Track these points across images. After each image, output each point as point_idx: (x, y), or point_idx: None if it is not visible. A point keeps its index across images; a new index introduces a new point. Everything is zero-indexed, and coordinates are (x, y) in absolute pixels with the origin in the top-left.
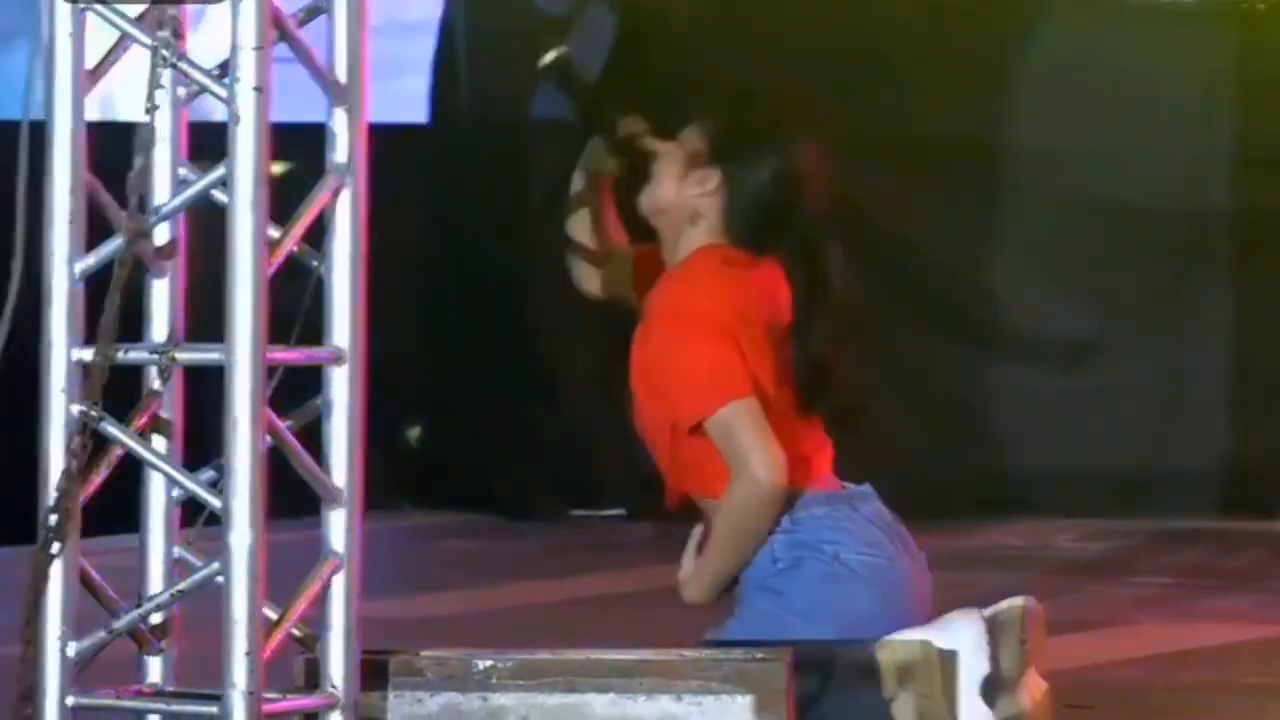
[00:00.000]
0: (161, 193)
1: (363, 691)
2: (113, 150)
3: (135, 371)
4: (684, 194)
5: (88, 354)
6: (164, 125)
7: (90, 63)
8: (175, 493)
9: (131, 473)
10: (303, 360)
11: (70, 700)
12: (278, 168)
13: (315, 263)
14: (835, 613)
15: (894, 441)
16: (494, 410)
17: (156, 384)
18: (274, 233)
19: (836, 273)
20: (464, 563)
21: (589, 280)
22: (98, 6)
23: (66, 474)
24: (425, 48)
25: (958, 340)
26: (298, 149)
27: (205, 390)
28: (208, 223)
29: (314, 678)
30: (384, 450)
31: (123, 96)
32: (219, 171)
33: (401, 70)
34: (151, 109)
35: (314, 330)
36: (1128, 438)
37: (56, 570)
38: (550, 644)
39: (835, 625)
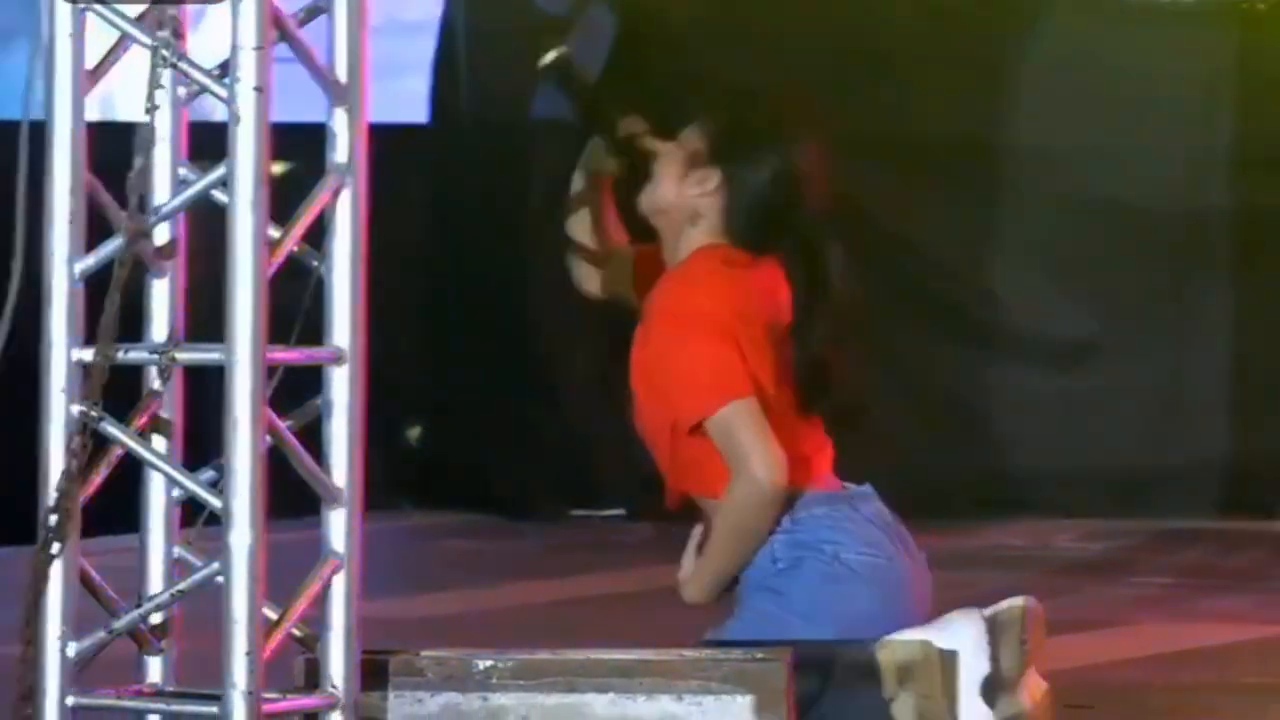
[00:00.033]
0: (161, 193)
1: (363, 691)
2: (113, 150)
3: (135, 371)
4: (684, 194)
5: (88, 354)
6: (164, 125)
7: (90, 63)
8: (175, 493)
9: (131, 473)
10: (303, 360)
11: (70, 700)
12: (278, 168)
13: (315, 263)
14: (835, 613)
15: (894, 441)
16: (494, 410)
17: (156, 384)
18: (274, 233)
19: (837, 272)
20: (464, 563)
21: (589, 280)
22: (97, 6)
23: (66, 474)
24: (425, 48)
25: (958, 340)
26: (298, 149)
27: (205, 390)
28: (208, 223)
29: (314, 678)
30: (384, 450)
31: (123, 96)
32: (219, 171)
33: (401, 70)
34: (151, 109)
35: (314, 330)
36: (1128, 438)
37: (56, 570)
38: (550, 644)
39: (835, 625)
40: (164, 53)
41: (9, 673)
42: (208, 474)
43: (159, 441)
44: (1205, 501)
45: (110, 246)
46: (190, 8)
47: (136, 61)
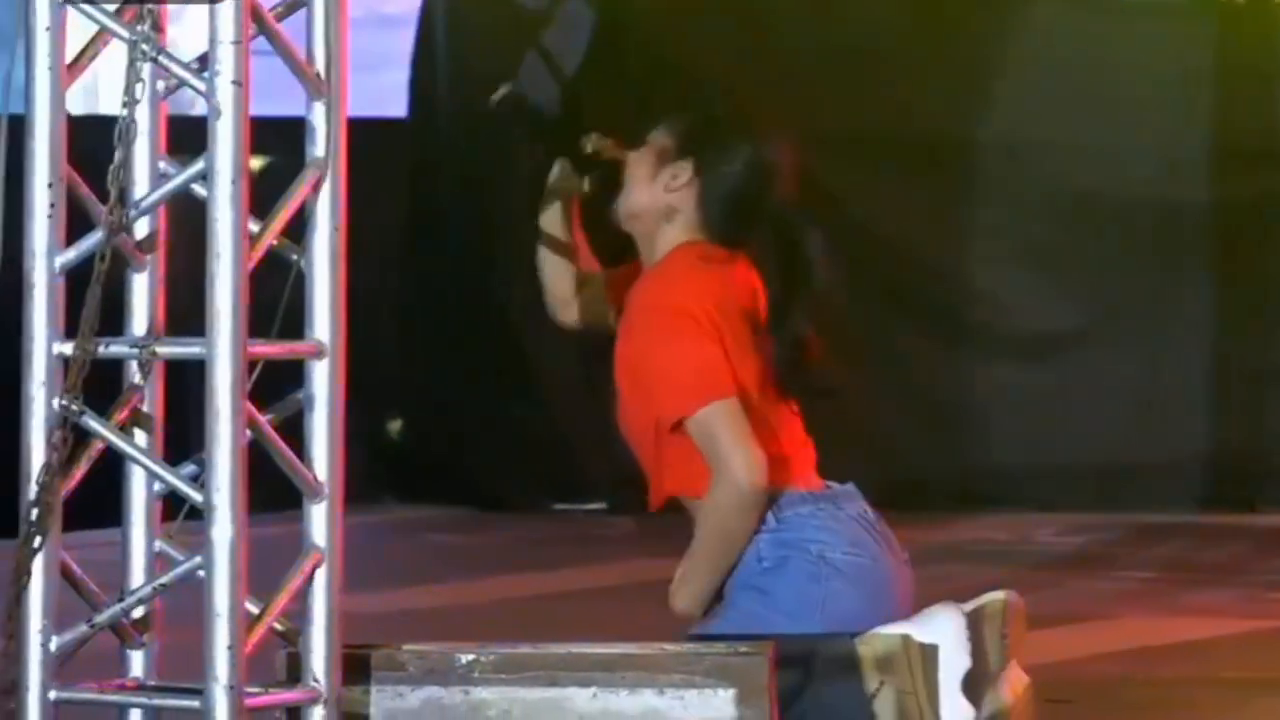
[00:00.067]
0: (141, 186)
1: (345, 685)
2: (93, 144)
3: (116, 365)
4: (657, 193)
5: (68, 348)
6: (143, 119)
7: (70, 56)
8: (156, 487)
9: (113, 467)
10: (283, 354)
11: (52, 694)
12: (257, 162)
13: (295, 257)
14: (820, 612)
15: (875, 436)
16: (475, 404)
17: (137, 378)
18: (254, 226)
19: (814, 257)
20: (445, 557)
21: (564, 311)
22: (77, 1)
23: (47, 468)
24: (404, 41)
25: (938, 335)
26: (277, 143)
27: (186, 384)
28: (188, 217)
29: (296, 672)
30: (365, 444)
31: (103, 90)
32: (199, 165)
33: (380, 64)
34: (131, 103)
35: (294, 324)
36: (1108, 432)
37: (38, 564)
38: (532, 638)
39: (820, 625)
40: (143, 47)
41: None
42: (189, 468)
43: (140, 435)
44: (1186, 496)
45: (90, 240)
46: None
47: (116, 55)
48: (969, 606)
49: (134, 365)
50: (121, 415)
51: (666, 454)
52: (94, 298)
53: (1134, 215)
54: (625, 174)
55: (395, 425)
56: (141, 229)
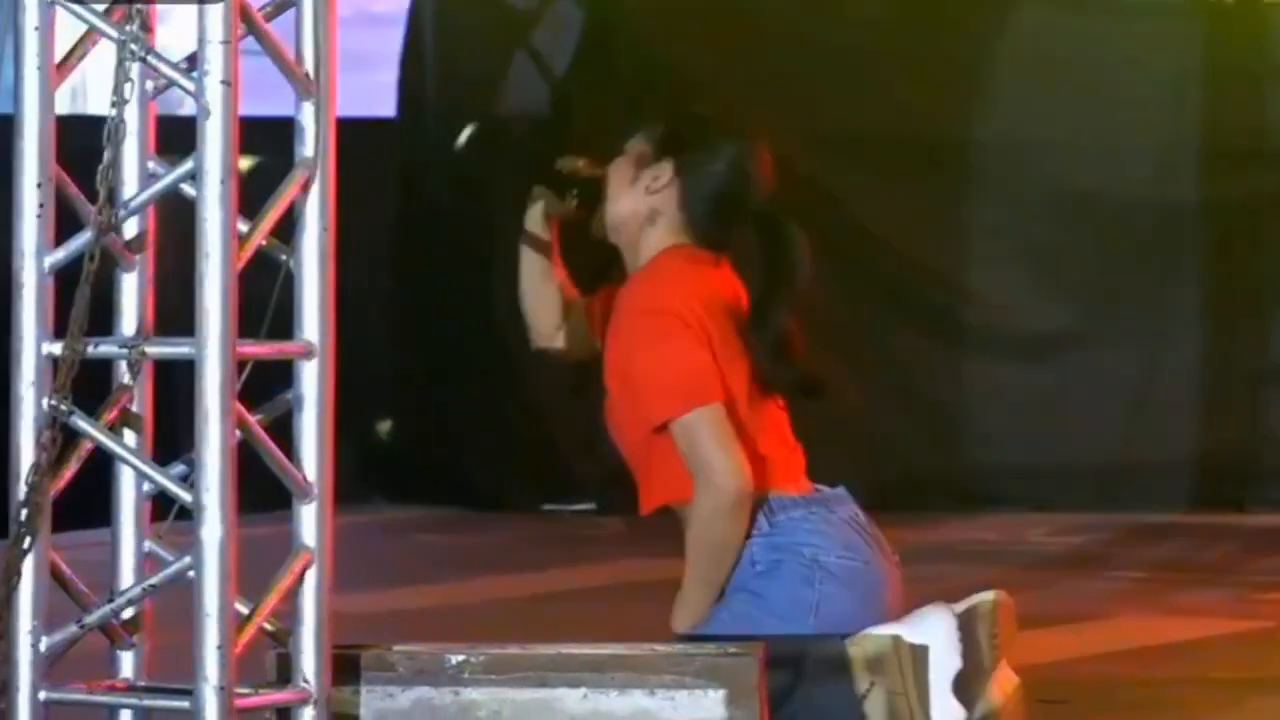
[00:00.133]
0: (130, 186)
1: (335, 686)
2: (82, 143)
3: (105, 365)
4: (638, 197)
5: (57, 348)
6: (132, 119)
7: (58, 56)
8: (146, 487)
9: (102, 467)
10: (273, 354)
11: (42, 695)
12: (246, 162)
13: (284, 257)
14: (813, 615)
15: (868, 436)
16: (464, 404)
17: (126, 378)
18: (243, 226)
19: (798, 253)
20: (435, 557)
21: (550, 341)
22: (65, 1)
23: (36, 468)
24: (393, 40)
25: (931, 334)
26: (266, 143)
27: (175, 384)
28: (177, 217)
29: (286, 672)
30: (355, 444)
31: (91, 90)
32: (188, 165)
33: (369, 63)
34: (120, 102)
35: (283, 324)
36: (1100, 432)
37: (27, 565)
38: (522, 638)
39: (813, 628)
40: (132, 46)
41: None
42: (178, 468)
43: (129, 435)
44: (1178, 496)
45: (79, 240)
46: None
47: (105, 55)
48: (960, 607)
49: (123, 365)
50: (111, 415)
51: (655, 457)
52: (83, 298)
53: (1127, 215)
54: (605, 186)
55: (385, 426)
56: (130, 229)
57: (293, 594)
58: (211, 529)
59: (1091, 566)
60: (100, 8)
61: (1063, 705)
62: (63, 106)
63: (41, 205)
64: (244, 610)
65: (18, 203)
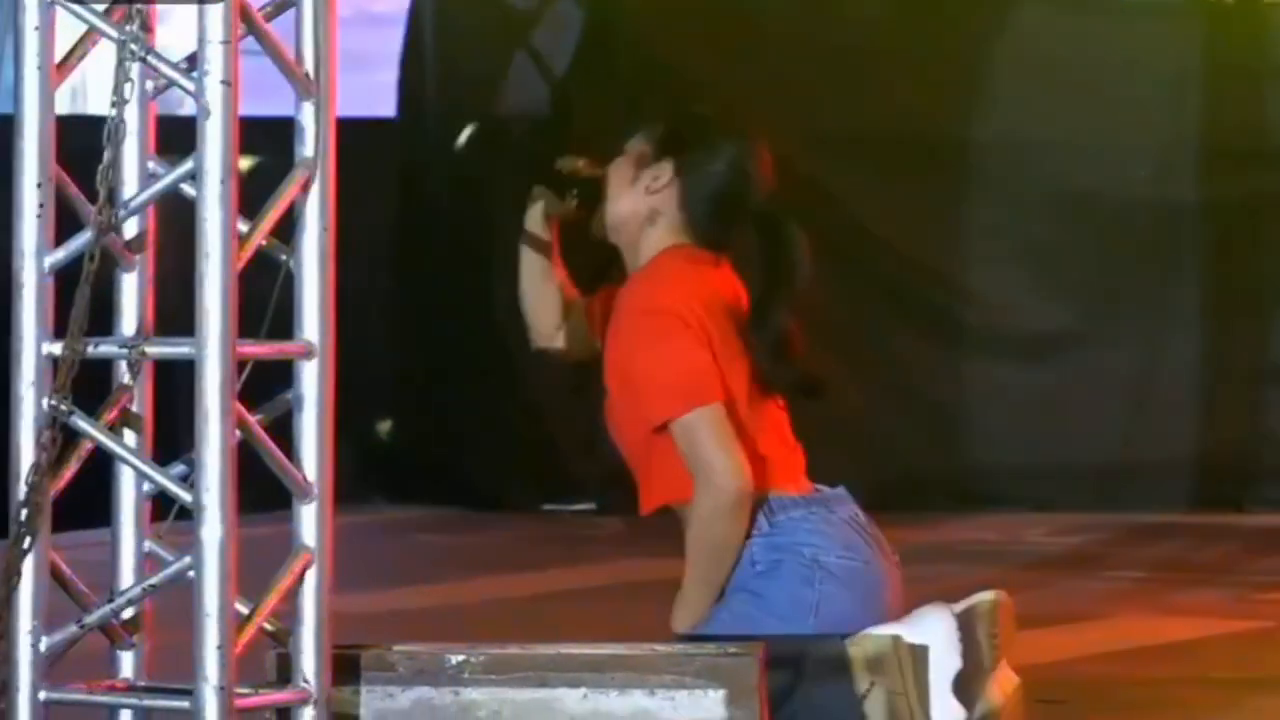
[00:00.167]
0: (130, 186)
1: (334, 686)
2: (82, 144)
3: (105, 365)
4: (638, 197)
5: (57, 348)
6: (132, 119)
7: (58, 56)
8: (146, 487)
9: (102, 467)
10: (273, 354)
11: (42, 695)
12: (246, 162)
13: (284, 257)
14: (814, 615)
15: (868, 436)
16: (464, 404)
17: (126, 378)
18: (243, 227)
19: (798, 252)
20: (435, 557)
21: (551, 343)
22: (66, 1)
23: (36, 468)
24: (393, 40)
25: (931, 334)
26: (266, 143)
27: (175, 384)
28: (177, 217)
29: (286, 672)
30: (355, 444)
31: (90, 90)
32: (188, 165)
33: (370, 63)
34: (120, 102)
35: (283, 324)
36: (1099, 432)
37: (28, 565)
38: (522, 638)
39: (813, 628)
40: (132, 46)
41: None
42: (178, 468)
43: (129, 435)
44: (1177, 496)
45: (79, 240)
46: None
47: (105, 55)
48: (959, 607)
49: (123, 365)
50: (111, 415)
51: (655, 457)
52: (83, 298)
53: (1126, 215)
54: (605, 186)
55: (385, 425)
56: (130, 229)
57: (293, 594)
58: (211, 529)
59: (1091, 566)
60: (100, 8)
61: (1062, 705)
62: (62, 106)
63: (41, 205)
64: (244, 610)
65: (18, 203)
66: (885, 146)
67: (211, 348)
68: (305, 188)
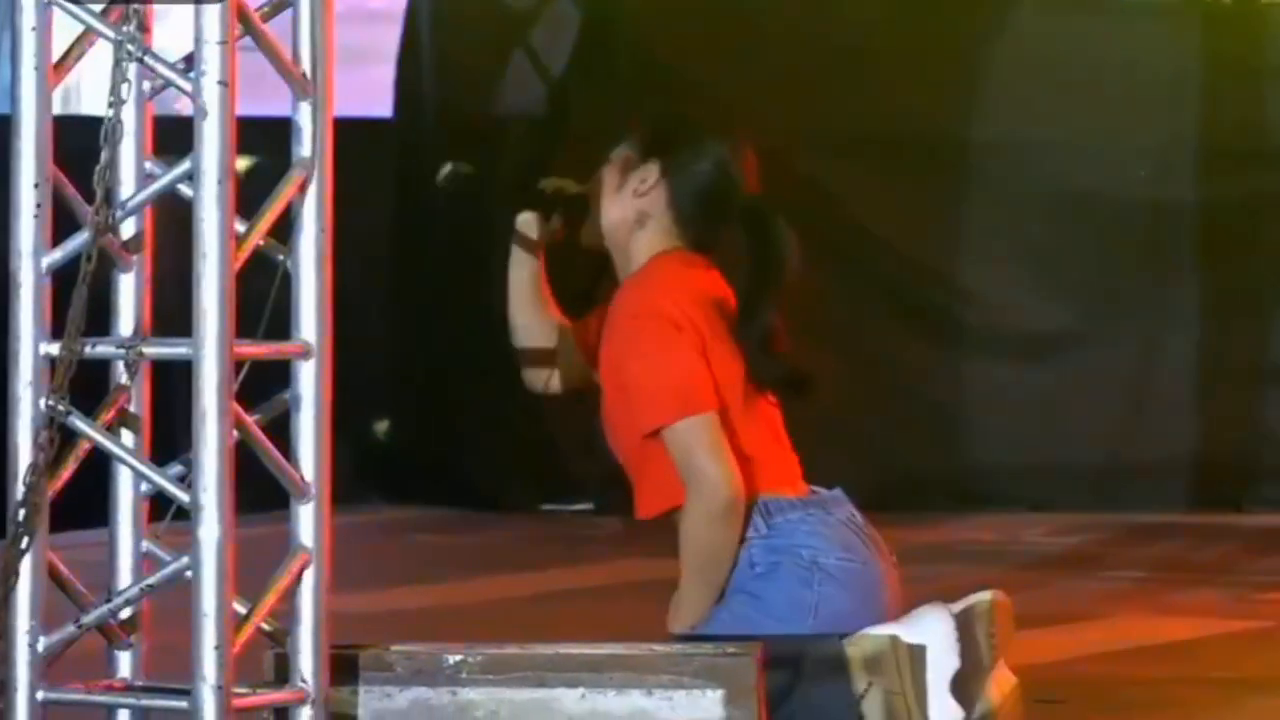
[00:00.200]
0: (127, 187)
1: (332, 686)
2: (79, 144)
3: (103, 366)
4: (626, 201)
5: (55, 348)
6: (129, 119)
7: (55, 56)
8: (144, 487)
9: (100, 467)
10: (270, 354)
11: (40, 695)
12: (243, 162)
13: (282, 257)
14: (812, 617)
15: (867, 436)
16: (462, 404)
17: (124, 378)
18: (240, 227)
19: (786, 249)
20: (433, 557)
21: (547, 383)
22: (62, 1)
23: (34, 468)
24: (390, 37)
25: (931, 334)
26: (263, 143)
27: (173, 384)
28: (174, 217)
29: (284, 672)
30: (352, 444)
31: (85, 90)
32: (185, 166)
33: (366, 60)
34: (117, 103)
35: (281, 324)
36: (1098, 432)
37: (25, 565)
38: (520, 638)
39: (812, 630)
40: (129, 47)
41: None
42: (176, 468)
43: (127, 436)
44: (1176, 496)
45: (77, 241)
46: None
47: (102, 55)
48: (957, 607)
49: (120, 365)
50: (108, 415)
51: (649, 462)
52: (80, 298)
53: (1124, 215)
54: (592, 197)
55: (382, 425)
56: (128, 229)
57: (290, 594)
58: (209, 529)
59: (1089, 566)
60: (97, 8)
61: (1060, 705)
62: (55, 107)
63: (39, 205)
64: (242, 610)
65: (15, 203)
66: (885, 146)
67: (209, 348)
68: (303, 188)
